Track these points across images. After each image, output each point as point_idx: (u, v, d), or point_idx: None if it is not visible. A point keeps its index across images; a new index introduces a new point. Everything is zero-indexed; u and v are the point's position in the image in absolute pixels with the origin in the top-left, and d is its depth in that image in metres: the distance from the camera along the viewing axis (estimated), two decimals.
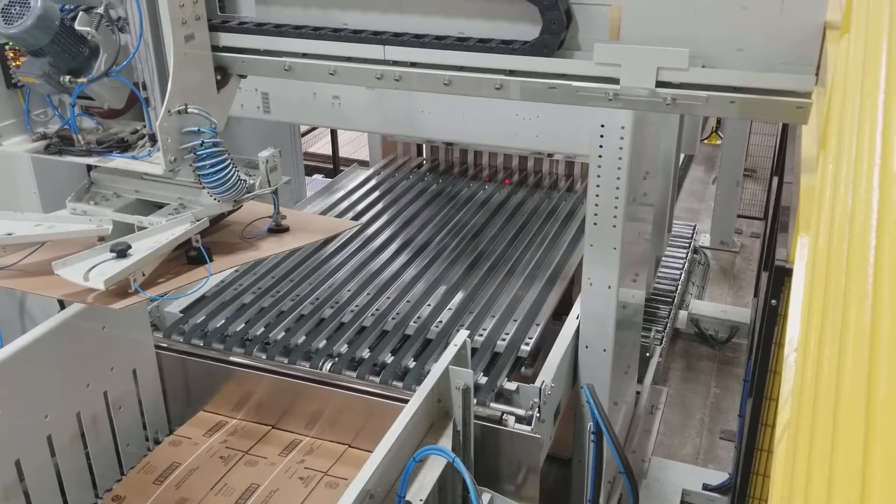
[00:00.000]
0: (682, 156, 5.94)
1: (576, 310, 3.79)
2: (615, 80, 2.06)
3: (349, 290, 4.01)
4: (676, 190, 6.30)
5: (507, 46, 2.13)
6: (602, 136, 3.20)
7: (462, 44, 2.17)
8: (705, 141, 9.59)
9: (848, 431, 0.74)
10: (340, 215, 4.89)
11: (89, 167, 2.59)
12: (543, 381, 3.21)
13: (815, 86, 1.93)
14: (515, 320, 3.74)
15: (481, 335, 3.61)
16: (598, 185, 3.29)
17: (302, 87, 3.59)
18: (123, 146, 2.38)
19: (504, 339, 3.59)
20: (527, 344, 3.57)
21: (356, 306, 3.85)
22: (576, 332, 3.68)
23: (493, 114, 3.40)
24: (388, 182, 5.41)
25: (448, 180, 5.42)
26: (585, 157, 3.33)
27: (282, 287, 4.05)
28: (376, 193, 5.22)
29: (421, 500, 2.54)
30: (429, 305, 3.86)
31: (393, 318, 3.77)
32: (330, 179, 7.69)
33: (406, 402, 2.81)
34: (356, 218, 4.84)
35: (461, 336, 3.05)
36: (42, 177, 3.53)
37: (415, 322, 3.71)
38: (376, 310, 3.82)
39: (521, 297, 3.95)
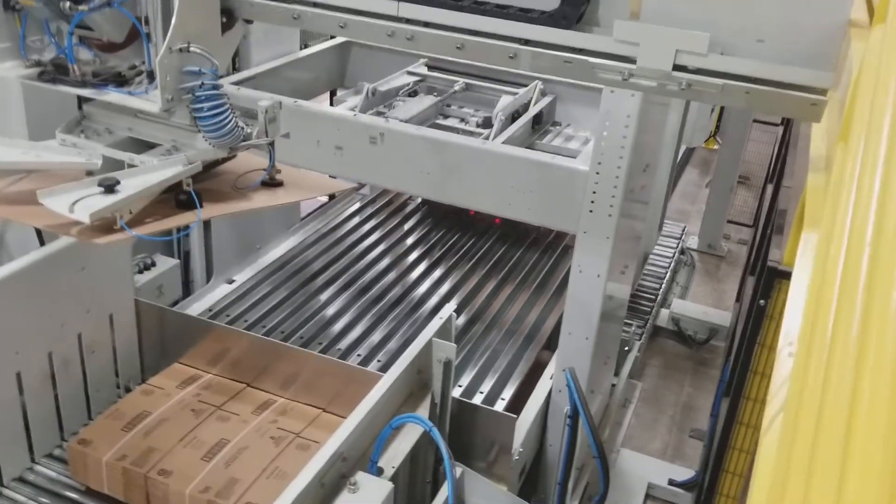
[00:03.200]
0: (682, 148, 5.93)
1: (549, 371, 3.88)
2: (632, 60, 2.01)
3: (335, 330, 4.12)
4: (673, 186, 6.28)
5: (525, 14, 2.08)
6: (607, 123, 3.16)
7: (479, 7, 2.12)
8: (702, 145, 9.57)
9: (861, 432, 0.71)
10: (334, 244, 4.97)
11: (81, 102, 2.52)
12: (513, 450, 3.23)
13: (832, 84, 1.90)
14: (493, 376, 3.87)
15: (460, 387, 3.70)
16: (597, 173, 3.25)
17: (306, 134, 3.64)
18: (120, 81, 2.31)
19: (481, 394, 3.70)
20: (503, 399, 3.69)
21: (338, 349, 3.95)
22: (547, 396, 3.74)
23: (490, 182, 3.46)
24: (380, 214, 5.44)
25: (439, 215, 5.43)
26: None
27: (267, 322, 4.10)
28: (369, 224, 5.28)
29: (393, 467, 2.52)
30: None
31: (378, 361, 3.88)
32: None
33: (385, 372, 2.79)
34: (348, 250, 4.92)
35: (447, 310, 3.02)
36: (31, 107, 3.44)
37: None
38: (358, 355, 3.92)
39: (500, 351, 4.07)
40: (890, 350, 0.75)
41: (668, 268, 6.61)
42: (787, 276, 2.53)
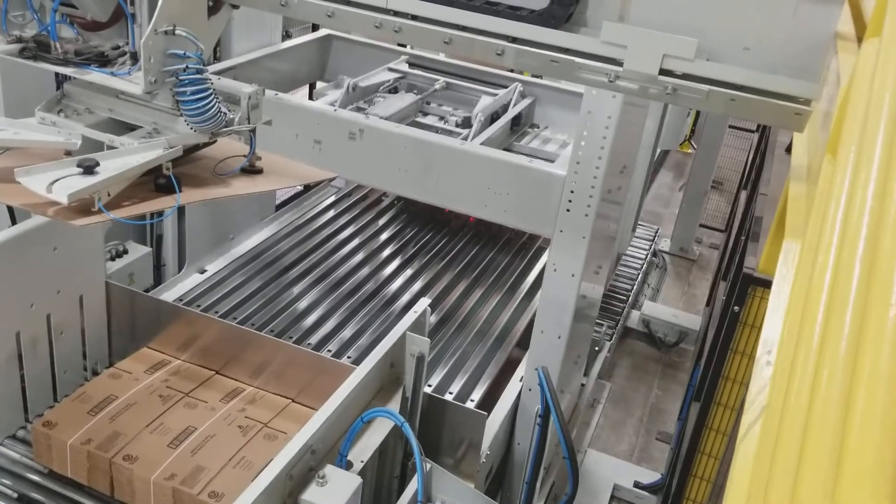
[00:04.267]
0: (658, 151, 6.00)
1: (519, 372, 3.88)
2: (619, 62, 2.02)
3: (306, 324, 4.09)
4: (647, 188, 6.35)
5: (514, 12, 2.07)
6: (588, 124, 3.17)
7: (468, 3, 2.11)
8: (677, 148, 9.66)
9: (854, 443, 0.72)
10: (308, 237, 4.93)
11: (61, 81, 2.48)
12: (481, 450, 3.22)
13: (816, 95, 1.92)
14: (462, 376, 3.86)
15: (430, 386, 3.69)
16: (576, 173, 3.26)
17: (285, 127, 3.62)
18: (102, 60, 2.27)
19: (451, 394, 3.69)
20: (472, 400, 3.69)
21: (309, 343, 3.92)
22: (517, 397, 3.75)
23: (468, 183, 3.48)
24: (355, 208, 5.41)
25: (413, 212, 5.41)
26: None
27: (238, 314, 4.07)
28: (344, 218, 5.25)
29: (362, 462, 2.51)
30: None
31: (348, 357, 3.85)
32: None
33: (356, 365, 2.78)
34: (322, 243, 4.88)
35: (422, 303, 3.01)
36: (8, 84, 3.37)
37: None
38: (328, 350, 3.90)
39: (470, 351, 4.06)
40: (884, 362, 0.75)
41: (640, 269, 6.67)
42: (762, 283, 2.56)
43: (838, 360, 0.86)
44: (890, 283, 0.76)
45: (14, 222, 3.09)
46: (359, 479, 2.36)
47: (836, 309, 0.94)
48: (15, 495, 2.90)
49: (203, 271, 4.35)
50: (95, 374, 3.42)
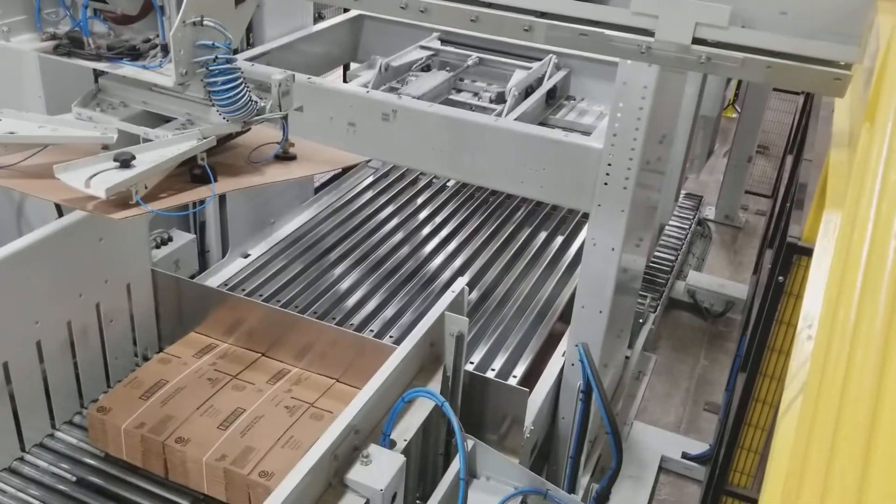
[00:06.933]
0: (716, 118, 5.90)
1: (562, 347, 3.85)
2: (650, 33, 1.98)
3: (348, 305, 4.10)
4: (707, 156, 6.24)
5: None
6: (623, 94, 3.12)
7: None
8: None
9: (887, 417, 0.71)
10: (347, 219, 4.94)
11: (97, 74, 2.51)
12: (524, 425, 3.22)
13: (858, 58, 1.86)
14: (504, 352, 3.84)
15: (472, 363, 3.68)
16: (612, 145, 3.22)
17: (319, 110, 3.61)
18: (134, 54, 2.30)
19: (493, 371, 3.68)
20: (514, 377, 3.67)
21: (351, 324, 3.93)
22: (560, 372, 3.73)
23: (503, 160, 3.43)
24: (393, 188, 5.38)
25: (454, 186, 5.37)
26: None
27: (282, 296, 4.10)
28: (382, 198, 5.23)
29: (405, 440, 2.53)
30: None
31: (391, 336, 3.86)
32: None
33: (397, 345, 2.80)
34: (361, 224, 4.88)
35: (459, 283, 3.02)
36: (48, 80, 3.43)
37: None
38: (371, 330, 3.90)
39: (512, 327, 4.04)
40: None
41: (685, 239, 6.58)
42: (806, 252, 2.51)
43: (872, 341, 0.84)
44: None
45: (60, 215, 3.16)
46: (402, 458, 2.39)
47: (870, 287, 0.92)
48: (73, 479, 2.99)
49: (246, 256, 4.41)
50: (146, 359, 3.50)
